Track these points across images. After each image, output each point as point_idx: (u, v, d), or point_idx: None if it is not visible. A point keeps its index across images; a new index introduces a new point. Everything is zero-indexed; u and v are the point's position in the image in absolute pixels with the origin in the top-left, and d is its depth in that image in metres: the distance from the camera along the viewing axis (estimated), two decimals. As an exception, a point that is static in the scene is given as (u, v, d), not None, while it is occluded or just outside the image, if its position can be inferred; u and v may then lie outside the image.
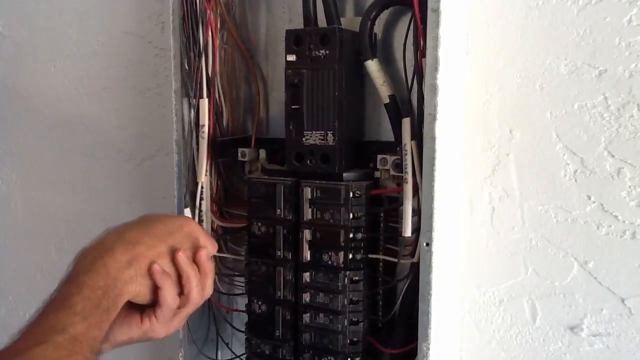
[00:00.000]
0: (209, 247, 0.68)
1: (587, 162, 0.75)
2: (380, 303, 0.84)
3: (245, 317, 0.93)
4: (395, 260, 0.81)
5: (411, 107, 0.79)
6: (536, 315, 0.79)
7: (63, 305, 0.56)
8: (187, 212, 0.92)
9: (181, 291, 0.65)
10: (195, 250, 0.66)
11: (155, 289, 0.63)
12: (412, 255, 0.77)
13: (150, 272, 0.62)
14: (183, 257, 0.64)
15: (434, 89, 0.70)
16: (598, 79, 0.73)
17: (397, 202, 0.82)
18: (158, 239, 0.64)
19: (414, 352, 0.78)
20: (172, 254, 0.64)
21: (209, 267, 0.67)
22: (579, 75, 0.74)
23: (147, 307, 0.65)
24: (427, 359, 0.72)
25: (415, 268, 0.77)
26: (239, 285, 0.97)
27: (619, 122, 0.73)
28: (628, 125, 0.72)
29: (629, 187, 0.73)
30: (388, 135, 0.83)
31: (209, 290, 0.68)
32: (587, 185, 0.75)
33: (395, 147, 0.80)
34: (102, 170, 1.17)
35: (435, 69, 0.70)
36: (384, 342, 0.82)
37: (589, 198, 0.75)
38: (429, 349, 0.72)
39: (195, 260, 0.66)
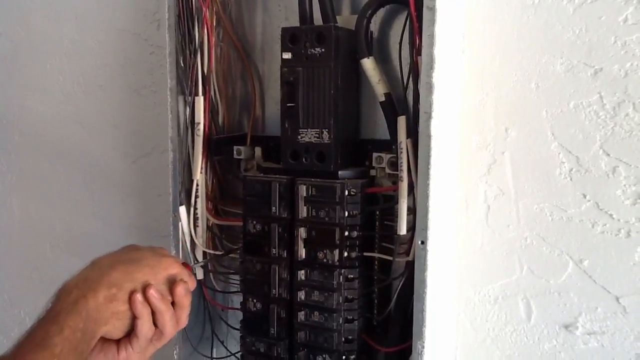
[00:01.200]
0: (189, 282, 0.70)
1: (582, 161, 0.75)
2: (376, 301, 0.84)
3: (240, 315, 0.93)
4: (391, 258, 0.81)
5: (407, 106, 0.79)
6: (531, 314, 0.79)
7: (43, 345, 0.56)
8: (182, 209, 0.91)
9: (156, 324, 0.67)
10: (172, 284, 0.68)
11: (133, 319, 0.65)
12: (408, 253, 0.77)
13: (130, 301, 0.64)
14: (154, 294, 0.66)
15: (430, 87, 0.70)
16: (594, 77, 0.73)
17: (392, 200, 0.82)
18: (139, 282, 0.66)
19: (408, 350, 0.78)
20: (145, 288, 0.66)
21: (186, 301, 0.69)
22: (575, 74, 0.74)
23: (122, 338, 0.67)
24: (422, 357, 0.72)
25: (410, 266, 0.77)
26: (234, 283, 0.97)
27: (615, 120, 0.73)
28: (623, 124, 0.72)
29: (624, 185, 0.73)
30: (384, 134, 0.83)
31: (183, 323, 0.70)
32: (582, 184, 0.75)
33: (390, 145, 0.80)
34: (97, 168, 1.17)
35: (431, 67, 0.70)
36: (379, 340, 0.82)
37: (584, 196, 0.75)
38: (423, 347, 0.72)
39: (172, 294, 0.68)
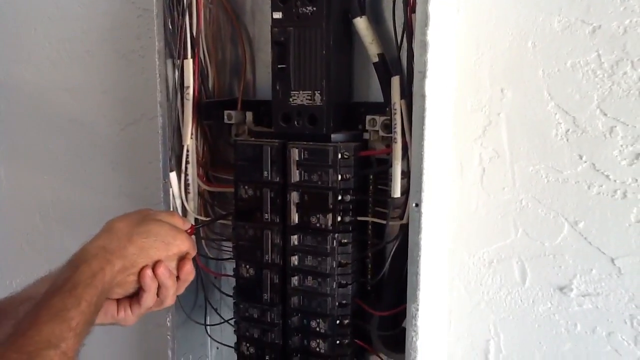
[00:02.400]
0: (193, 253, 0.73)
1: (579, 121, 0.73)
2: (369, 266, 0.84)
3: (233, 282, 0.92)
4: (385, 222, 0.80)
5: (401, 66, 0.77)
6: (526, 277, 0.79)
7: (60, 318, 0.57)
8: (173, 176, 0.90)
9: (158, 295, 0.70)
10: (180, 260, 0.71)
11: (138, 287, 0.68)
12: (402, 217, 0.76)
13: (141, 275, 0.67)
14: (164, 272, 0.68)
15: (424, 45, 0.68)
16: (592, 35, 0.72)
17: (386, 164, 0.81)
18: (152, 259, 0.68)
19: (402, 314, 0.78)
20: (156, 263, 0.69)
21: (191, 277, 0.73)
22: (573, 31, 0.73)
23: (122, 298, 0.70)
24: (416, 320, 0.72)
25: (404, 230, 0.76)
26: (227, 251, 0.96)
27: (612, 79, 0.71)
28: (621, 83, 0.71)
29: (621, 145, 0.72)
30: (377, 97, 0.81)
31: (180, 292, 0.73)
32: (578, 145, 0.74)
33: (384, 108, 0.79)
34: (85, 135, 1.15)
35: (425, 24, 0.68)
36: (373, 304, 0.81)
37: (581, 158, 0.74)
38: (417, 310, 0.71)
39: (179, 271, 0.71)
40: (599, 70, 0.72)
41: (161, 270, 0.68)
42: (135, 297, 0.69)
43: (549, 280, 0.77)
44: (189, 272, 0.71)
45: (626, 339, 0.74)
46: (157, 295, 0.69)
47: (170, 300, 0.71)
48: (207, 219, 0.94)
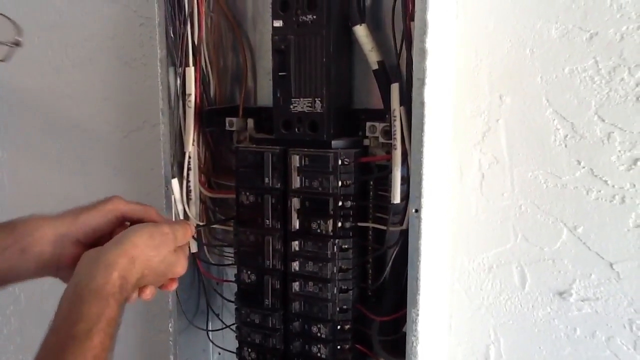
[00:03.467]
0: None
1: (577, 127, 0.74)
2: (370, 271, 0.84)
3: (235, 288, 0.92)
4: (385, 228, 0.81)
5: (400, 73, 0.78)
6: (525, 281, 0.79)
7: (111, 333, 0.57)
8: (175, 182, 0.91)
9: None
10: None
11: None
12: (402, 222, 0.76)
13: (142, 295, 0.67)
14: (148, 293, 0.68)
15: (423, 53, 0.69)
16: (589, 42, 0.72)
17: (386, 170, 0.82)
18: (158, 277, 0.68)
19: (403, 319, 0.78)
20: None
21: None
22: (570, 38, 0.73)
23: None
24: (417, 325, 0.72)
25: (404, 235, 0.76)
26: (228, 256, 0.97)
27: (610, 85, 0.72)
28: (619, 89, 0.71)
29: (619, 151, 0.72)
30: (377, 103, 0.82)
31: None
32: (577, 150, 0.74)
33: (384, 114, 0.79)
34: (88, 142, 1.16)
35: (424, 32, 0.68)
36: (374, 309, 0.82)
37: (579, 163, 0.74)
38: (418, 315, 0.72)
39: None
40: (596, 76, 0.72)
41: (147, 294, 0.68)
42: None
43: (548, 285, 0.78)
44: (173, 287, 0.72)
45: (625, 344, 0.74)
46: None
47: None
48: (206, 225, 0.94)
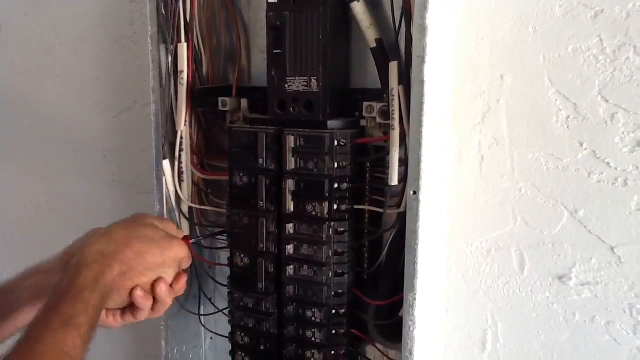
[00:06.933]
0: (188, 262, 0.74)
1: (580, 108, 0.72)
2: (366, 255, 0.82)
3: (227, 272, 0.91)
4: (381, 210, 0.79)
5: (399, 52, 0.75)
6: (524, 266, 0.78)
7: (71, 325, 0.57)
8: (166, 163, 0.88)
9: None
10: (177, 276, 0.72)
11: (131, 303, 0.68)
12: (399, 205, 0.75)
13: (132, 295, 0.67)
14: (163, 289, 0.69)
15: (423, 29, 0.67)
16: (594, 20, 0.70)
17: (383, 151, 0.80)
18: (150, 269, 0.68)
19: (399, 303, 0.77)
20: (156, 281, 0.69)
21: (183, 290, 0.73)
22: (574, 16, 0.71)
23: None
24: (414, 310, 0.71)
25: (401, 218, 0.75)
26: (221, 240, 0.95)
27: (614, 65, 0.70)
28: (623, 69, 0.69)
29: (623, 132, 0.70)
30: (374, 83, 0.80)
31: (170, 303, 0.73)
32: (579, 132, 0.73)
33: (381, 94, 0.77)
34: (78, 123, 1.13)
35: (425, 7, 0.66)
36: (369, 294, 0.80)
37: (581, 145, 0.73)
38: (415, 299, 0.70)
39: (172, 283, 0.71)
40: (601, 55, 0.70)
41: (162, 289, 0.68)
42: (129, 312, 0.69)
43: (547, 269, 0.76)
44: (183, 286, 0.72)
45: (625, 328, 0.73)
46: (152, 309, 0.70)
47: (161, 313, 0.71)
48: (200, 237, 0.93)
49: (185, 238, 0.74)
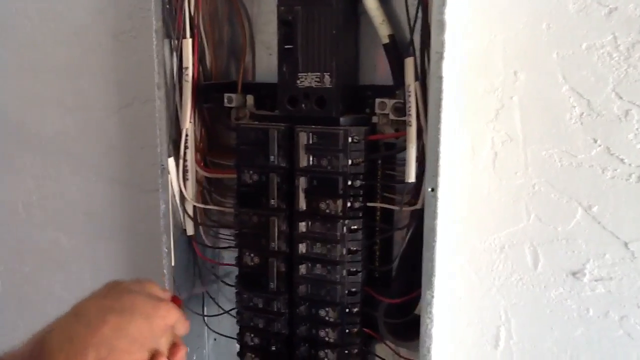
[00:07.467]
0: (184, 328, 0.63)
1: (593, 105, 0.72)
2: (378, 253, 0.82)
3: (230, 271, 0.89)
4: (393, 208, 0.78)
5: (412, 48, 0.75)
6: (538, 262, 0.78)
7: None
8: (171, 161, 0.86)
9: None
10: (173, 347, 0.61)
11: None
12: (412, 203, 0.74)
13: None
14: None
15: (442, 25, 0.66)
16: (607, 17, 0.70)
17: (394, 148, 0.79)
18: (138, 343, 0.57)
19: (412, 301, 0.77)
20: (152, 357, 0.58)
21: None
22: (588, 13, 0.71)
23: None
24: (431, 307, 0.70)
25: (416, 215, 0.74)
26: (224, 239, 0.93)
27: (628, 62, 0.70)
28: (637, 66, 0.70)
29: (636, 129, 0.71)
30: (383, 79, 0.79)
31: None
32: (593, 128, 0.73)
33: (393, 91, 0.77)
34: (74, 121, 1.10)
35: (443, 2, 0.66)
36: (381, 292, 0.80)
37: (595, 141, 0.73)
38: (433, 296, 0.70)
39: (168, 355, 0.60)
40: (614, 52, 0.71)
41: None
42: None
43: (561, 265, 0.76)
44: (182, 359, 0.61)
45: (639, 323, 0.74)
46: None
47: None
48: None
49: (173, 298, 0.64)
